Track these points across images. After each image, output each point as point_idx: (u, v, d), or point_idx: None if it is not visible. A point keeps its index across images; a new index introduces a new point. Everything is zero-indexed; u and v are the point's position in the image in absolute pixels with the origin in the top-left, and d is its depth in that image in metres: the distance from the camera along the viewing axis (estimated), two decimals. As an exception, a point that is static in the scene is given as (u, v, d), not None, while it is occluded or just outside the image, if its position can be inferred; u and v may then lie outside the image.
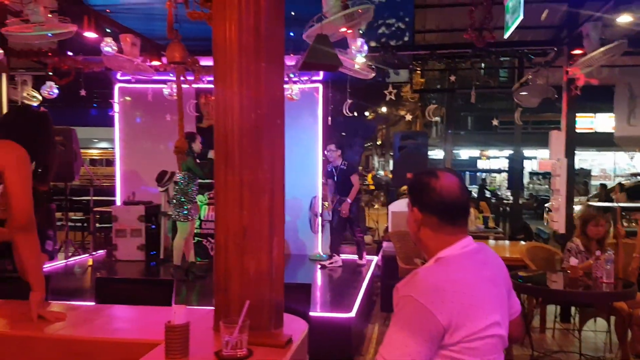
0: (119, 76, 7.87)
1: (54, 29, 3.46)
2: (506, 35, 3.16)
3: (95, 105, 11.19)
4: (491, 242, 6.81)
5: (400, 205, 7.14)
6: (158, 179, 7.43)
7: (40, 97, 8.72)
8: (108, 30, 5.74)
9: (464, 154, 26.90)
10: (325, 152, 6.90)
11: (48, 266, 6.37)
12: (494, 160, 27.64)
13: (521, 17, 2.83)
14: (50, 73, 7.09)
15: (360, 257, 7.13)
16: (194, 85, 7.01)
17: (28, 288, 2.58)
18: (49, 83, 6.31)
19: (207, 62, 6.71)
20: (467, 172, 24.24)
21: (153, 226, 7.64)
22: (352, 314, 4.66)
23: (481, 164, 27.13)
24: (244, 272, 1.85)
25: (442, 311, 1.30)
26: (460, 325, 1.30)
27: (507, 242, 7.10)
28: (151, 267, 7.29)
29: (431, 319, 1.30)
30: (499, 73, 14.87)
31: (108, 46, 4.59)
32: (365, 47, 4.08)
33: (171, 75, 7.06)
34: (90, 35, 4.78)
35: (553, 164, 6.23)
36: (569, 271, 4.06)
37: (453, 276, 1.36)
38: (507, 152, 26.08)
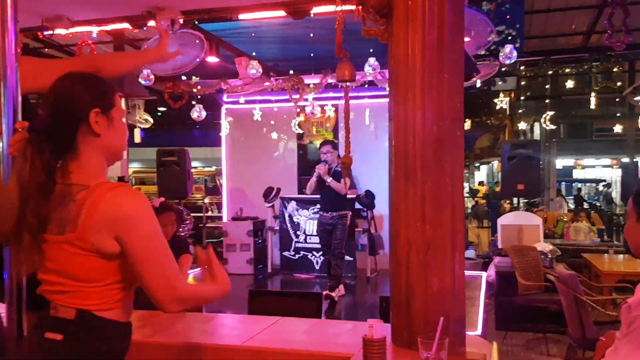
0: (225, 98, 8.22)
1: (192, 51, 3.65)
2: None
3: (197, 126, 11.73)
4: (613, 256, 6.39)
5: (511, 218, 6.87)
6: (265, 195, 7.65)
7: (151, 120, 9.29)
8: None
9: (558, 163, 25.62)
10: (322, 155, 6.19)
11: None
12: (589, 169, 26.09)
13: None
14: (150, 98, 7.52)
15: (333, 289, 5.95)
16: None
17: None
18: (198, 106, 6.70)
19: (309, 80, 6.87)
20: (563, 183, 22.96)
21: (260, 240, 7.86)
22: (478, 331, 4.51)
23: (576, 174, 25.69)
24: (428, 289, 1.82)
25: None
26: None
27: (621, 256, 6.60)
28: (259, 280, 7.49)
29: None
30: (596, 78, 14.07)
31: (254, 69, 4.79)
32: (515, 53, 4.00)
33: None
34: (213, 59, 5.02)
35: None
36: None
37: None
38: (604, 160, 24.60)
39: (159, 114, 10.24)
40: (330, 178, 5.93)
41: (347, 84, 2.22)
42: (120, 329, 1.40)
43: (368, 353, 1.65)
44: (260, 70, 5.17)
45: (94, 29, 4.53)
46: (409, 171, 1.84)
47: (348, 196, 7.27)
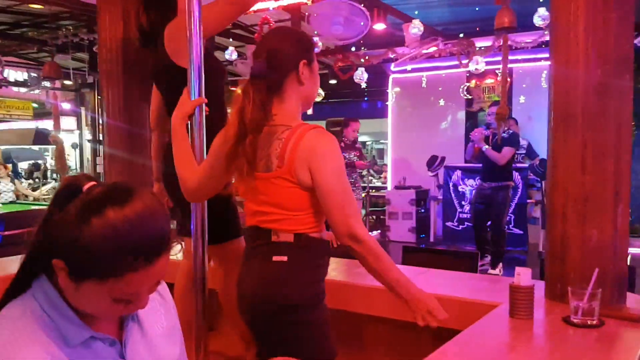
0: (393, 67, 8.29)
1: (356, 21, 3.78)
2: None
3: (366, 98, 12.00)
4: None
5: None
6: (429, 164, 7.63)
7: (322, 93, 9.75)
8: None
9: None
10: (487, 117, 5.63)
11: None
12: None
13: None
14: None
15: (495, 265, 5.60)
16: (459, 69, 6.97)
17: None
18: (360, 69, 6.98)
19: (481, 42, 6.60)
20: None
21: (423, 210, 7.88)
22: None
23: None
24: (585, 241, 1.74)
25: None
26: None
27: None
28: (421, 250, 7.53)
29: None
30: None
31: (415, 27, 4.84)
32: None
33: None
34: (380, 26, 5.11)
35: None
36: None
37: None
38: None
39: (330, 86, 10.68)
40: (486, 146, 5.40)
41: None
42: (327, 245, 1.63)
43: (514, 299, 1.65)
44: (422, 28, 5.11)
45: (271, 4, 4.91)
46: (568, 118, 1.75)
47: (519, 165, 6.93)
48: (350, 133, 6.79)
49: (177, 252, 2.38)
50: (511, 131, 5.46)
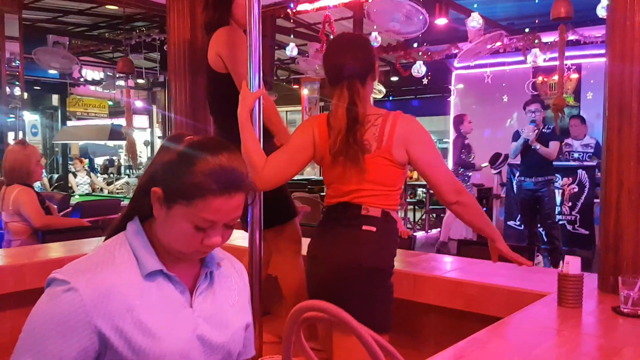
0: (456, 64, 8.18)
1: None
2: None
3: (427, 95, 11.87)
4: None
5: None
6: (491, 161, 7.46)
7: (384, 90, 9.75)
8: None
9: None
10: (529, 114, 5.59)
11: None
12: None
13: None
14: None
15: (556, 264, 5.31)
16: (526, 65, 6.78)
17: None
18: (418, 62, 6.98)
19: (547, 38, 6.41)
20: None
21: (484, 209, 7.71)
22: None
23: None
24: (639, 232, 1.71)
25: None
26: None
27: None
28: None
29: None
30: None
31: (474, 20, 4.80)
32: None
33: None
34: (442, 21, 5.08)
35: None
36: None
37: None
38: None
39: (392, 83, 10.67)
40: (539, 145, 5.38)
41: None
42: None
43: (562, 288, 1.65)
44: (481, 22, 5.04)
45: (332, 1, 5.00)
46: (623, 107, 1.73)
47: (586, 164, 6.67)
48: (467, 126, 6.60)
49: None
50: (552, 126, 5.36)
